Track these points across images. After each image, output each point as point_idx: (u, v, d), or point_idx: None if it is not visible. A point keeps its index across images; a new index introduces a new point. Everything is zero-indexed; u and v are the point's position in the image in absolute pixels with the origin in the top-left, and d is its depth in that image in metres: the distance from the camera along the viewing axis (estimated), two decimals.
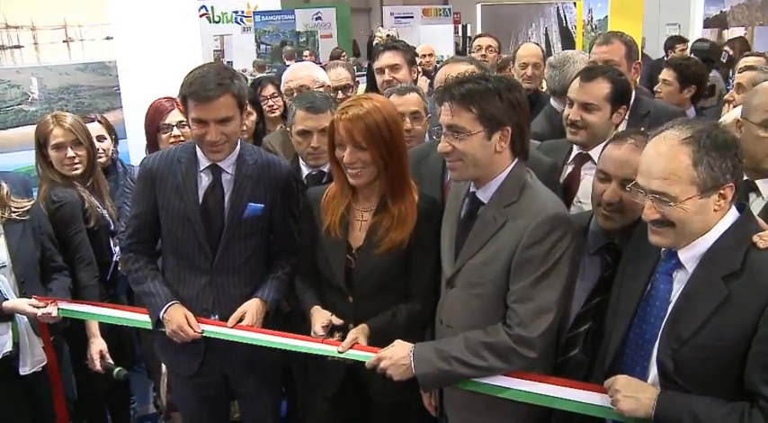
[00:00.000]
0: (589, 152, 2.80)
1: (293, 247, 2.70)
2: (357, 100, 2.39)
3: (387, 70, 3.81)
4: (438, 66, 4.70)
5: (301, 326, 2.51)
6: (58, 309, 2.79)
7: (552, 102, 3.81)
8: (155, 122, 3.32)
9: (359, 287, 2.44)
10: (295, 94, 3.47)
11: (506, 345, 2.06)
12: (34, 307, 2.73)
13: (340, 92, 3.76)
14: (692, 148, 1.78)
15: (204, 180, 2.59)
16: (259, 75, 11.24)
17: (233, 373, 2.74)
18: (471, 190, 2.22)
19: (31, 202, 2.95)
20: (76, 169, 3.16)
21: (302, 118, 2.93)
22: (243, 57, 13.37)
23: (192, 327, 2.53)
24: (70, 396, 3.18)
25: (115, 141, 3.58)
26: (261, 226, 2.65)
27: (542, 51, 4.76)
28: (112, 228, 3.27)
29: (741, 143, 2.20)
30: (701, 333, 1.80)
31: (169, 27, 4.36)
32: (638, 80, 4.18)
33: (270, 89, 4.11)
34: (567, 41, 9.94)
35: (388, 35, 7.77)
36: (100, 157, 3.42)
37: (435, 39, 12.23)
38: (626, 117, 2.91)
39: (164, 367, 3.18)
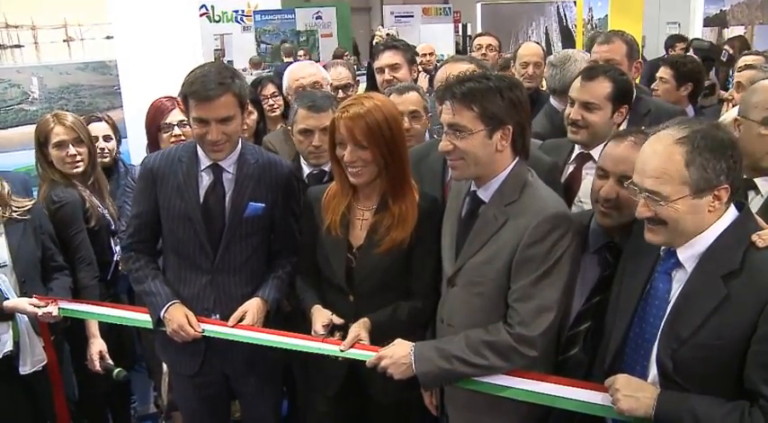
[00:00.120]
0: (590, 152, 2.80)
1: (294, 247, 2.70)
2: (358, 99, 2.39)
3: (387, 69, 3.81)
4: (438, 65, 4.71)
5: (302, 325, 2.51)
6: (59, 308, 2.79)
7: (552, 100, 3.80)
8: (155, 122, 3.32)
9: (359, 286, 2.44)
10: (308, 91, 3.44)
11: (507, 343, 2.06)
12: (35, 306, 2.74)
13: (340, 91, 3.76)
14: (686, 149, 1.77)
15: (205, 179, 2.59)
16: (255, 72, 11.26)
17: (234, 372, 2.74)
18: (472, 189, 2.22)
19: (32, 202, 2.95)
20: (77, 167, 3.16)
21: (304, 117, 2.93)
22: (243, 56, 13.36)
23: (192, 326, 2.53)
24: (71, 396, 3.17)
25: (119, 141, 3.58)
26: (262, 225, 2.65)
27: (543, 50, 4.76)
28: (113, 227, 3.27)
29: (739, 142, 2.21)
30: (700, 332, 1.79)
31: (169, 26, 4.36)
32: (638, 79, 4.18)
33: (270, 88, 4.11)
34: (568, 40, 9.94)
35: (387, 34, 7.77)
36: (105, 157, 3.43)
37: (435, 38, 12.22)
38: (627, 116, 2.91)
39: (164, 367, 3.18)
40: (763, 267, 1.77)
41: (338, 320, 2.39)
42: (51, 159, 3.15)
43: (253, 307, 2.58)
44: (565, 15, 10.28)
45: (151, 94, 3.48)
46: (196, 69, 2.50)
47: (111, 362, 3.06)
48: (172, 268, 2.69)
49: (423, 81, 5.48)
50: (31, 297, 2.78)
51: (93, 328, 3.08)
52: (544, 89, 4.36)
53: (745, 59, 4.72)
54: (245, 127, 3.41)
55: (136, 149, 3.70)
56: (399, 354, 2.18)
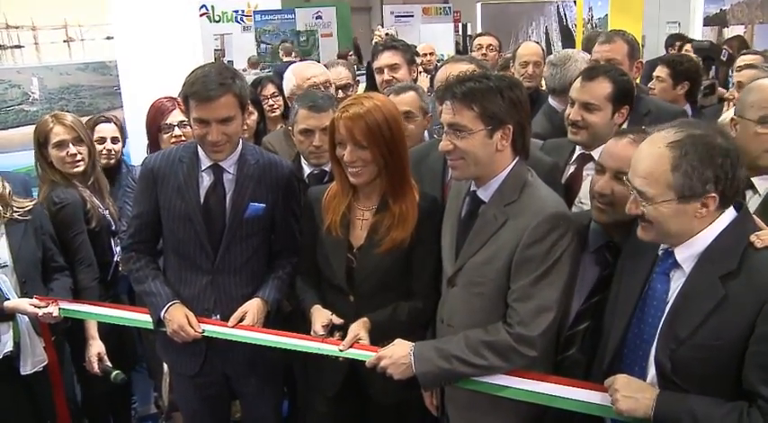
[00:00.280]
0: (591, 152, 2.79)
1: (294, 247, 2.70)
2: (358, 98, 2.39)
3: (386, 70, 3.81)
4: (439, 65, 4.71)
5: (302, 325, 2.51)
6: (59, 309, 2.79)
7: (551, 100, 3.80)
8: (156, 122, 3.32)
9: (360, 286, 2.44)
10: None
11: (507, 343, 2.06)
12: (35, 307, 2.74)
13: (340, 91, 3.76)
14: (675, 154, 1.77)
15: (206, 180, 2.59)
16: (253, 72, 11.26)
17: (234, 372, 2.74)
18: (472, 189, 2.22)
19: (33, 202, 2.95)
20: (78, 166, 3.16)
21: (304, 117, 2.93)
22: (243, 56, 13.37)
23: (192, 326, 2.53)
24: (71, 396, 3.18)
25: (124, 143, 3.59)
26: (262, 226, 2.65)
27: (542, 50, 4.75)
28: (114, 228, 3.27)
29: (736, 141, 2.21)
30: (698, 333, 1.79)
31: (169, 26, 4.36)
32: (639, 79, 4.18)
33: (270, 88, 4.11)
34: (568, 40, 9.95)
35: (387, 34, 7.76)
36: (111, 159, 3.44)
37: (435, 38, 12.21)
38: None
39: (165, 367, 3.18)
40: (761, 268, 1.76)
41: (338, 320, 2.39)
42: (51, 160, 3.15)
43: (253, 307, 2.58)
44: (565, 15, 10.29)
45: (151, 94, 3.49)
46: (197, 70, 2.50)
47: (109, 364, 3.06)
48: (172, 268, 2.69)
49: (423, 81, 5.48)
50: (32, 297, 2.78)
51: (92, 330, 3.08)
52: (544, 89, 4.36)
53: (743, 59, 4.73)
54: (246, 127, 3.41)
55: (136, 150, 3.70)
56: (399, 354, 2.18)
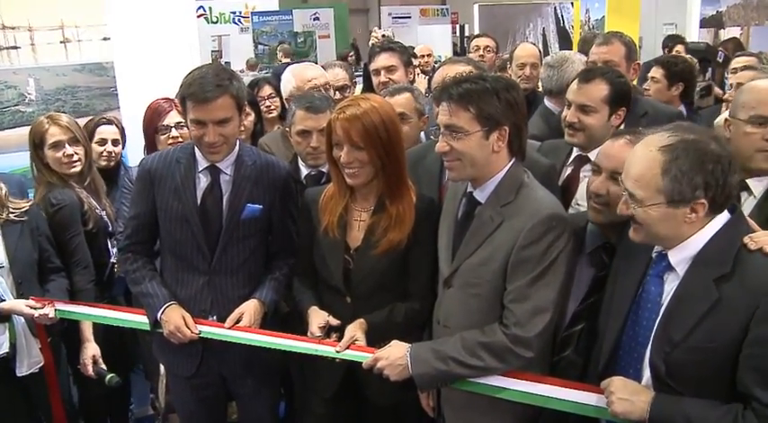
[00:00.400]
0: (588, 154, 2.80)
1: (292, 248, 2.70)
2: (355, 100, 2.40)
3: (383, 71, 3.82)
4: (436, 66, 4.71)
5: (299, 326, 2.51)
6: (56, 310, 2.79)
7: (546, 102, 3.80)
8: (153, 123, 3.32)
9: (357, 287, 2.44)
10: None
11: (503, 345, 2.06)
12: (31, 308, 2.73)
13: (337, 92, 3.75)
14: (665, 158, 1.78)
15: (203, 181, 2.59)
16: (251, 74, 11.28)
17: (231, 373, 2.74)
18: (468, 190, 2.23)
19: (29, 203, 2.94)
20: (75, 167, 3.15)
21: (302, 118, 2.93)
22: (241, 57, 13.38)
23: (189, 328, 2.53)
24: (67, 397, 3.17)
25: (123, 144, 3.58)
26: (259, 227, 2.65)
27: (540, 51, 4.76)
28: (111, 229, 3.27)
29: (730, 142, 2.23)
30: (692, 335, 1.79)
31: (166, 28, 4.35)
32: (636, 81, 4.19)
33: (267, 90, 4.11)
34: (565, 41, 9.97)
35: (383, 35, 7.76)
36: (111, 161, 3.43)
37: (433, 39, 12.24)
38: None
39: (162, 369, 3.18)
40: (754, 270, 1.76)
41: (334, 322, 2.39)
42: (47, 161, 3.14)
43: (250, 308, 2.58)
44: (562, 16, 10.31)
45: (148, 95, 3.48)
46: (194, 71, 2.50)
47: (104, 367, 3.05)
48: (169, 269, 2.69)
49: (421, 82, 5.48)
50: (28, 299, 2.77)
51: (87, 332, 3.08)
52: (540, 90, 4.36)
53: (737, 61, 4.76)
54: (243, 128, 3.41)
55: (133, 151, 3.70)
56: (395, 355, 2.18)
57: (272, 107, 4.08)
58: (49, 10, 4.33)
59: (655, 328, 1.89)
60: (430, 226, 2.40)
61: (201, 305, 2.62)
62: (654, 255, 1.95)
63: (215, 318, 2.61)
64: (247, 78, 5.31)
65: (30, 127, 3.25)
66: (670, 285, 1.89)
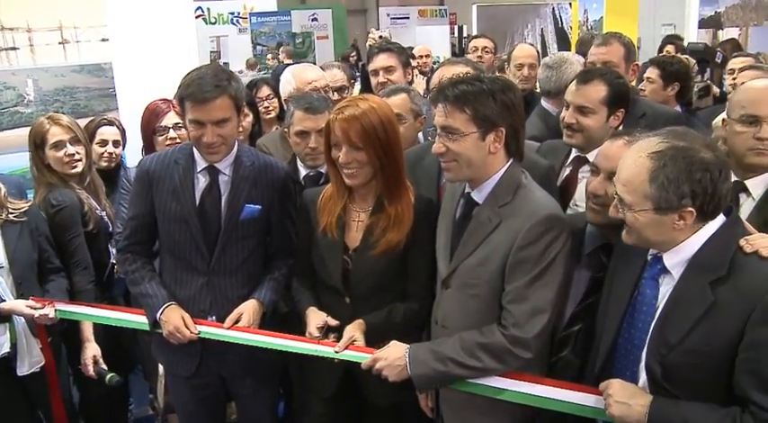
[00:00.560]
0: (587, 155, 2.80)
1: (290, 249, 2.70)
2: (353, 100, 2.40)
3: (381, 72, 3.82)
4: (435, 67, 4.71)
5: (298, 327, 2.51)
6: (56, 310, 2.79)
7: (543, 103, 3.80)
8: (150, 124, 3.32)
9: (355, 288, 2.44)
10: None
11: (501, 345, 2.07)
12: (32, 308, 2.74)
13: (335, 93, 3.76)
14: (654, 165, 1.77)
15: (201, 181, 2.60)
16: (250, 73, 11.27)
17: (230, 374, 2.75)
18: (466, 191, 2.23)
19: (29, 204, 2.95)
20: (76, 167, 3.15)
21: (300, 118, 2.93)
22: (239, 58, 13.37)
23: (188, 328, 2.54)
24: (67, 397, 3.17)
25: (124, 145, 3.58)
26: (258, 227, 2.65)
27: (537, 52, 4.77)
28: (111, 229, 3.27)
29: (727, 140, 2.24)
30: (688, 339, 1.79)
31: (165, 28, 4.36)
32: (635, 82, 4.20)
33: (265, 90, 4.11)
34: (563, 42, 9.98)
35: (380, 37, 7.76)
36: (112, 162, 3.44)
37: (431, 40, 12.24)
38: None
39: (160, 369, 3.18)
40: (750, 274, 1.76)
41: (333, 322, 2.40)
42: (48, 162, 3.14)
43: (249, 309, 2.58)
44: (560, 17, 10.32)
45: (147, 96, 3.48)
46: (192, 72, 2.51)
47: (104, 366, 3.05)
48: (168, 270, 2.70)
49: (419, 83, 5.48)
50: (28, 299, 2.78)
51: (88, 332, 3.08)
52: (538, 91, 4.37)
53: (734, 62, 4.77)
54: (241, 129, 3.41)
55: (131, 152, 3.70)
56: (394, 356, 2.18)
57: (271, 108, 4.09)
58: (48, 11, 4.34)
59: (650, 330, 1.88)
60: (428, 226, 2.40)
61: (200, 305, 2.63)
62: (649, 257, 1.95)
63: (214, 318, 2.61)
64: (247, 78, 5.30)
65: (29, 128, 3.25)
66: (665, 288, 1.89)
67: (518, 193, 2.13)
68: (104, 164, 3.44)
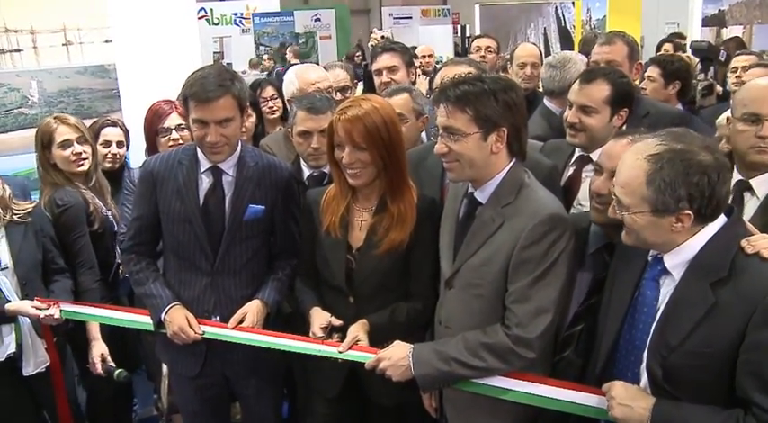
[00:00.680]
0: (590, 155, 2.79)
1: (294, 249, 2.71)
2: (356, 101, 2.40)
3: (385, 72, 3.82)
4: (437, 67, 4.71)
5: (302, 327, 2.52)
6: (61, 310, 2.80)
7: (546, 102, 3.79)
8: (153, 126, 3.32)
9: (359, 287, 2.45)
10: (309, 93, 3.41)
11: (505, 345, 2.07)
12: (37, 309, 2.75)
13: (338, 93, 3.76)
14: (651, 167, 1.76)
15: (205, 182, 2.60)
16: (253, 72, 11.28)
17: (234, 374, 2.75)
18: (469, 191, 2.23)
19: (33, 205, 2.96)
20: (83, 165, 3.17)
21: (303, 119, 2.94)
22: (242, 58, 13.39)
23: (193, 328, 2.55)
24: (72, 397, 3.18)
25: (127, 146, 3.59)
26: (262, 228, 2.66)
27: (540, 51, 4.76)
28: (116, 229, 3.27)
29: (731, 138, 2.25)
30: (689, 340, 1.78)
31: (168, 29, 4.37)
32: (638, 81, 4.19)
33: (269, 91, 4.12)
34: (566, 41, 9.97)
35: (382, 37, 7.77)
36: (116, 163, 3.45)
37: (434, 39, 12.21)
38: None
39: (164, 369, 3.19)
40: (751, 275, 1.75)
41: (336, 322, 2.40)
42: (54, 161, 3.16)
43: (252, 309, 2.59)
44: (563, 16, 10.30)
45: (150, 97, 3.49)
46: (196, 72, 2.51)
47: (112, 364, 3.06)
48: (172, 270, 2.70)
49: (422, 83, 5.49)
50: (33, 299, 2.79)
51: (95, 331, 3.09)
52: (541, 90, 4.36)
53: (737, 60, 4.76)
54: (244, 129, 3.42)
55: (135, 153, 3.71)
56: (398, 355, 2.19)
57: (275, 108, 4.10)
58: (52, 13, 4.34)
59: (651, 331, 1.88)
60: (431, 226, 2.40)
61: (205, 306, 2.63)
62: (650, 258, 1.94)
63: (218, 318, 2.62)
64: (249, 78, 5.31)
65: (34, 129, 3.28)
66: (666, 289, 1.88)
67: (521, 193, 2.13)
68: (108, 165, 3.45)
